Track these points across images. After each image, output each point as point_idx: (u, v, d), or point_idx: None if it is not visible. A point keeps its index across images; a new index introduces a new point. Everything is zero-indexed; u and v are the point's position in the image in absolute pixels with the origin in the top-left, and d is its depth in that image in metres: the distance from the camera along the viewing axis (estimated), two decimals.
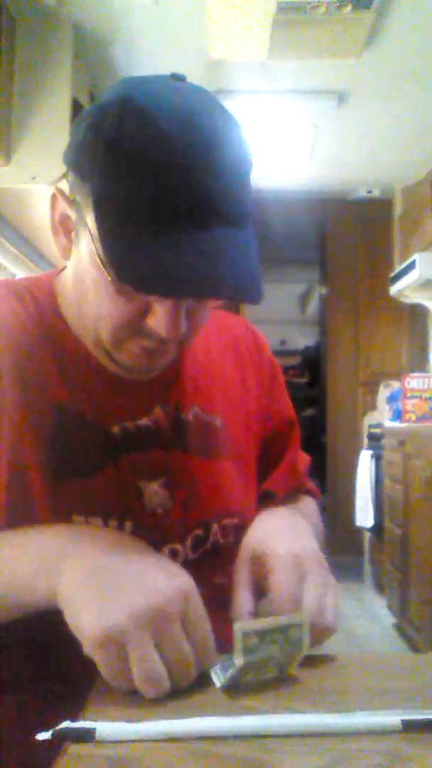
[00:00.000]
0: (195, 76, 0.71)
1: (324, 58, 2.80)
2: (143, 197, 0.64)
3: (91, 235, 0.68)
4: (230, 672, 0.59)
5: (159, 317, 0.69)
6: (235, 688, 0.60)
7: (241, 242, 0.67)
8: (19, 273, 2.88)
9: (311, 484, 1.03)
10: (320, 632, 0.67)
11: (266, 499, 0.95)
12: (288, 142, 3.74)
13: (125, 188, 0.64)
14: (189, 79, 0.71)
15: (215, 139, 0.66)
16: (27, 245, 2.84)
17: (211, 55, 2.76)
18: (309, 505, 0.99)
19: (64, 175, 0.75)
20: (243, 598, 0.72)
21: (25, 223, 2.80)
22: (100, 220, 0.66)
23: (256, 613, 0.71)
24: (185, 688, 0.59)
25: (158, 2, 2.50)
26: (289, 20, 2.45)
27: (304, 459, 1.03)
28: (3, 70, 2.33)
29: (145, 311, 0.70)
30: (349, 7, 2.38)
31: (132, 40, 2.76)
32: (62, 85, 2.46)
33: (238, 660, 0.58)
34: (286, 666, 0.63)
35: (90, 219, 0.68)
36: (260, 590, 0.73)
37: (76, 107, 2.54)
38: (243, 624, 0.59)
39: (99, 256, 0.67)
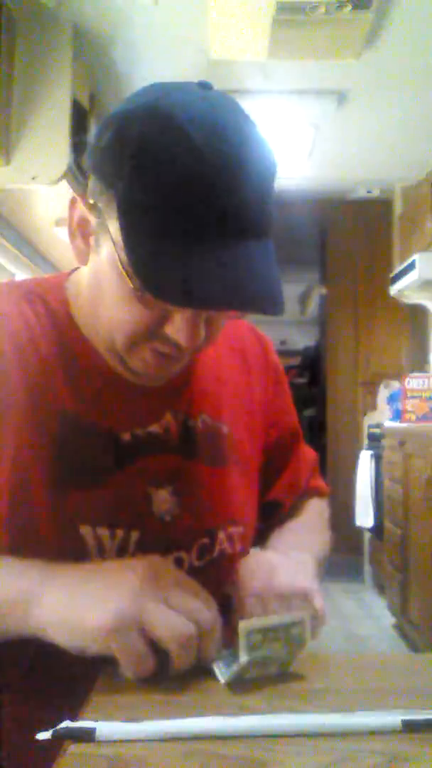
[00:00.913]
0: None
1: (324, 58, 2.80)
2: (170, 207, 0.63)
3: (114, 242, 0.67)
4: (234, 668, 0.61)
5: (178, 326, 0.69)
6: (238, 684, 0.61)
7: (265, 254, 0.67)
8: (19, 273, 2.88)
9: (319, 481, 1.03)
10: (295, 594, 0.68)
11: (273, 509, 0.95)
12: (288, 142, 3.74)
13: (152, 197, 0.63)
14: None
15: (243, 149, 0.65)
16: (27, 245, 2.85)
17: (211, 55, 2.76)
18: (315, 510, 0.99)
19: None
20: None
21: (25, 223, 2.80)
22: (125, 228, 0.65)
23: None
24: (185, 688, 0.59)
25: (158, 2, 2.50)
26: (289, 20, 2.45)
27: (310, 456, 1.03)
28: (3, 70, 2.33)
29: (163, 319, 0.70)
30: (349, 8, 2.38)
31: (132, 40, 2.76)
32: (62, 85, 2.46)
33: (243, 658, 0.60)
34: (287, 662, 0.64)
35: (113, 226, 0.67)
36: None
37: (76, 107, 2.54)
38: (247, 622, 0.61)
39: (122, 263, 0.66)
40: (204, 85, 0.69)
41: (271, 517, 0.95)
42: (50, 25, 2.47)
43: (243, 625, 0.60)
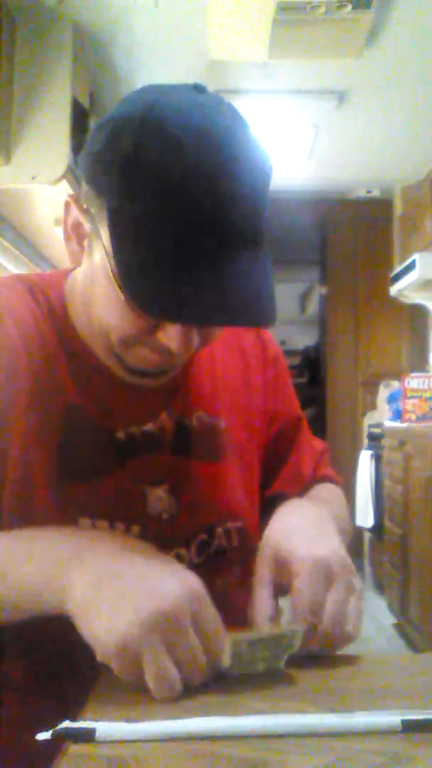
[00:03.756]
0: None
1: (324, 58, 2.80)
2: (161, 219, 0.62)
3: (105, 250, 0.67)
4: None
5: (170, 334, 0.68)
6: (222, 679, 0.61)
7: (257, 266, 0.66)
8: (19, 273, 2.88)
9: (328, 470, 1.01)
10: (339, 640, 0.66)
11: (278, 502, 0.94)
12: (288, 142, 3.74)
13: (142, 209, 0.62)
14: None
15: (236, 158, 0.64)
16: (27, 245, 2.84)
17: (211, 55, 2.76)
18: (329, 491, 0.97)
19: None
20: (262, 602, 0.70)
21: (25, 223, 2.80)
22: (114, 238, 0.64)
23: (274, 617, 0.70)
24: (185, 688, 0.59)
25: (158, 3, 2.50)
26: (289, 20, 2.45)
27: (316, 446, 1.01)
28: (3, 70, 2.32)
29: (156, 326, 0.69)
30: (349, 7, 2.38)
31: (132, 40, 2.76)
32: (62, 85, 2.46)
33: (226, 666, 0.61)
34: (274, 662, 0.64)
35: (104, 233, 0.67)
36: (281, 592, 0.72)
37: (76, 107, 2.54)
38: (235, 635, 0.61)
39: (112, 272, 0.66)
40: (198, 88, 0.68)
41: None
42: (50, 25, 2.47)
43: (234, 638, 0.60)
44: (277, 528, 0.74)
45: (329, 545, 0.71)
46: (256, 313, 0.65)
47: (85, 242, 0.72)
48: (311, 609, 0.66)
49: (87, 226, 0.71)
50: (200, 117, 0.64)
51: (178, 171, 0.61)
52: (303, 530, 0.73)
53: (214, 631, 0.60)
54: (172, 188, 0.61)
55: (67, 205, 0.74)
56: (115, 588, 0.60)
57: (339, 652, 0.69)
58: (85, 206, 0.70)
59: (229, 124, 0.65)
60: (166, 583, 0.60)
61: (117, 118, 0.66)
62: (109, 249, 0.65)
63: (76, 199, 0.73)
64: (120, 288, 0.65)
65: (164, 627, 0.57)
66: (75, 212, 0.73)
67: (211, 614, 0.61)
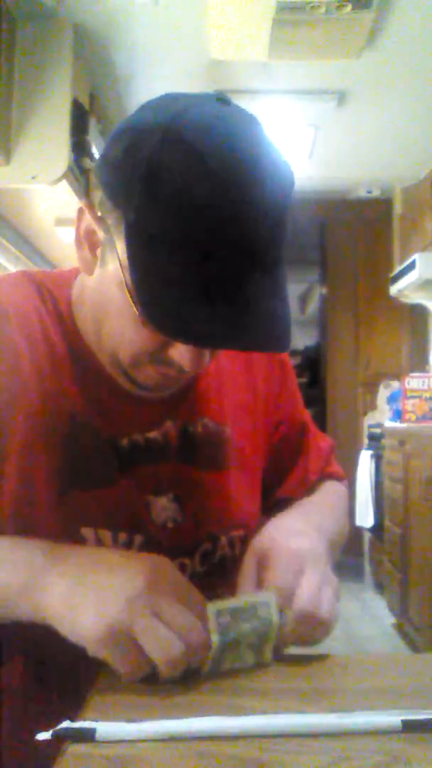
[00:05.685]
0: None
1: (324, 58, 2.80)
2: (180, 238, 0.60)
3: (121, 263, 0.65)
4: (209, 653, 0.61)
5: (182, 351, 0.67)
6: (216, 674, 0.62)
7: (275, 287, 0.65)
8: None
9: (335, 468, 1.01)
10: (313, 626, 0.66)
11: (285, 506, 0.94)
12: (288, 142, 3.74)
13: (161, 225, 0.61)
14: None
15: (261, 179, 0.62)
16: (27, 245, 2.85)
17: (211, 54, 2.75)
18: (330, 491, 0.97)
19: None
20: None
21: (25, 223, 2.80)
22: (132, 254, 0.63)
23: None
24: (186, 688, 0.59)
25: (158, 2, 2.50)
26: (289, 20, 2.45)
27: (323, 446, 1.00)
28: (3, 70, 2.33)
29: (168, 341, 0.68)
30: (349, 7, 2.38)
31: (132, 40, 2.76)
32: (62, 85, 2.46)
33: (215, 639, 0.61)
34: (261, 649, 0.65)
35: (120, 245, 0.65)
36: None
37: (76, 107, 2.54)
38: (215, 603, 0.63)
39: (127, 287, 0.64)
40: (223, 100, 0.66)
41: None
42: (50, 25, 2.48)
43: (211, 606, 0.62)
44: (264, 531, 0.76)
45: (304, 540, 0.73)
46: (271, 339, 0.65)
47: (98, 251, 0.71)
48: (283, 594, 0.67)
49: (101, 235, 0.69)
50: (224, 133, 0.62)
51: (200, 189, 0.60)
52: (285, 530, 0.76)
53: (194, 596, 0.63)
54: (194, 207, 0.60)
55: (80, 212, 0.71)
56: (90, 585, 0.62)
57: (334, 652, 0.69)
58: (99, 214, 0.69)
59: (252, 141, 0.64)
60: (137, 564, 0.63)
61: (136, 127, 0.64)
62: (125, 262, 0.64)
63: (89, 206, 0.70)
64: (134, 303, 0.64)
65: (148, 600, 0.59)
66: (88, 219, 0.70)
67: (183, 581, 0.65)
